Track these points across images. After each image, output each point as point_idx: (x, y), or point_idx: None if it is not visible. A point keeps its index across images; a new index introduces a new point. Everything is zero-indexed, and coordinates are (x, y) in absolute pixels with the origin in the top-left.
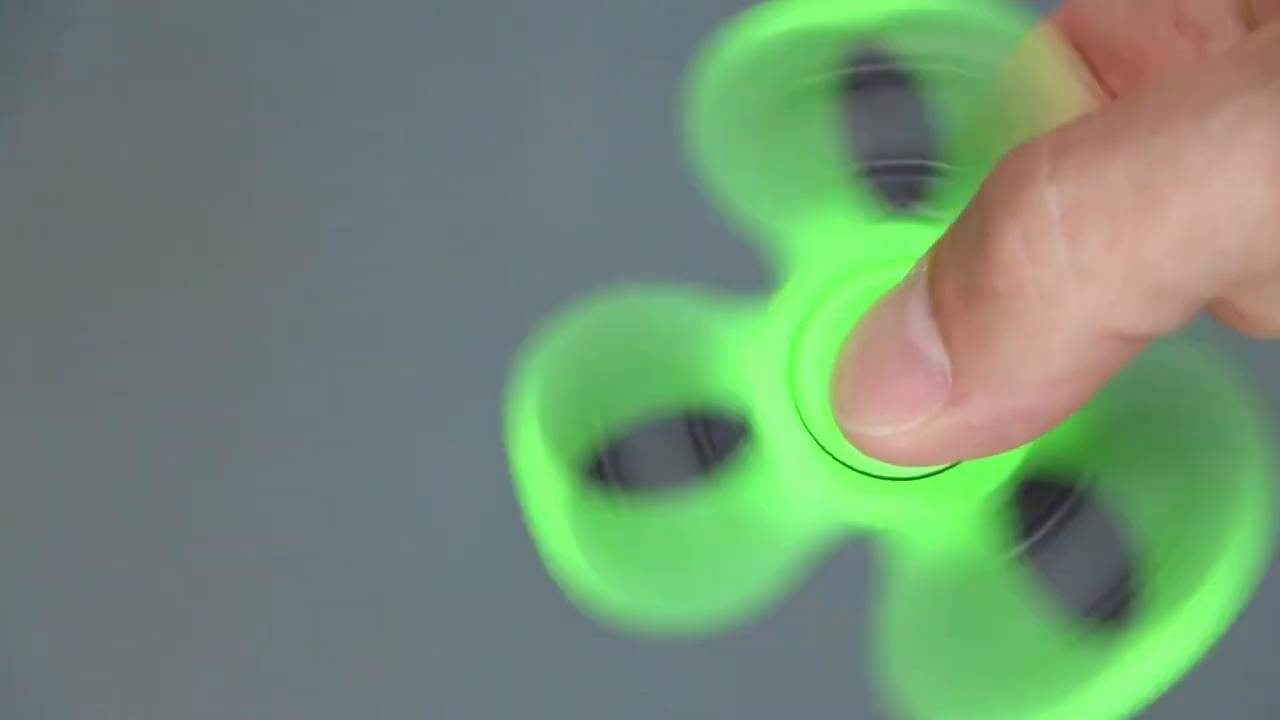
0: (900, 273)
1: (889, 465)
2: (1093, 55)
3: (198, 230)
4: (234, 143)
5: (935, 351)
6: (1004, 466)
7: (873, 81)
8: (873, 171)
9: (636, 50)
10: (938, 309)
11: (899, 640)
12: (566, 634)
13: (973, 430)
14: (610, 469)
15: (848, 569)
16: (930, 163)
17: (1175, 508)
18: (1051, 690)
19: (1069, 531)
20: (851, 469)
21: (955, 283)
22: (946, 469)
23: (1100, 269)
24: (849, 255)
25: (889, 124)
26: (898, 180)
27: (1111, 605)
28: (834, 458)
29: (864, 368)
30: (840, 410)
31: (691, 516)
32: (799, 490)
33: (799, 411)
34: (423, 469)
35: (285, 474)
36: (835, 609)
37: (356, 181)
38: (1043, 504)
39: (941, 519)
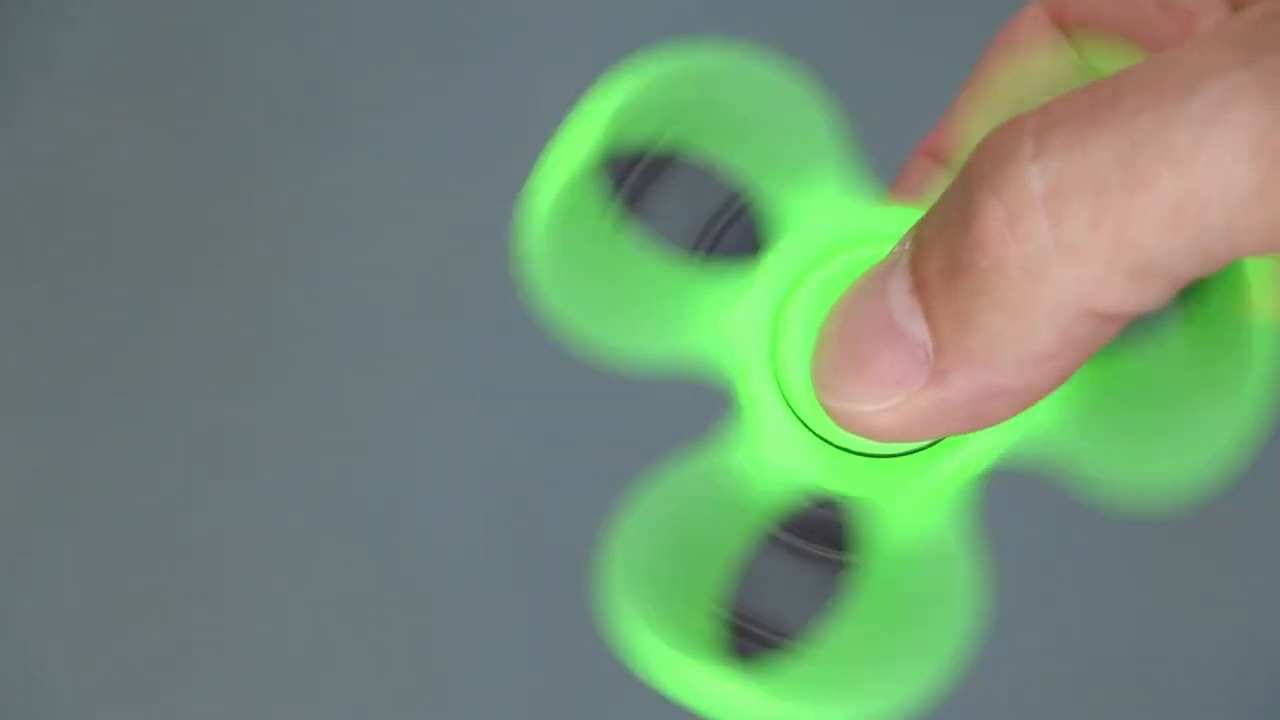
0: (883, 250)
1: (870, 441)
2: (1077, 35)
3: (198, 229)
4: (234, 143)
5: (917, 329)
6: (984, 445)
7: (645, 182)
8: (714, 241)
9: (637, 51)
10: (920, 286)
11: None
12: (567, 634)
13: (953, 407)
14: (740, 621)
15: None
16: (742, 202)
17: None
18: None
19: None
20: (832, 444)
21: (938, 260)
22: (927, 447)
23: (1084, 247)
24: (833, 229)
25: (688, 199)
26: (735, 233)
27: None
28: (814, 433)
29: (846, 344)
30: (822, 386)
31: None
32: (777, 463)
33: (780, 386)
34: (425, 468)
35: (286, 474)
36: None
37: (357, 181)
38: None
39: (915, 497)
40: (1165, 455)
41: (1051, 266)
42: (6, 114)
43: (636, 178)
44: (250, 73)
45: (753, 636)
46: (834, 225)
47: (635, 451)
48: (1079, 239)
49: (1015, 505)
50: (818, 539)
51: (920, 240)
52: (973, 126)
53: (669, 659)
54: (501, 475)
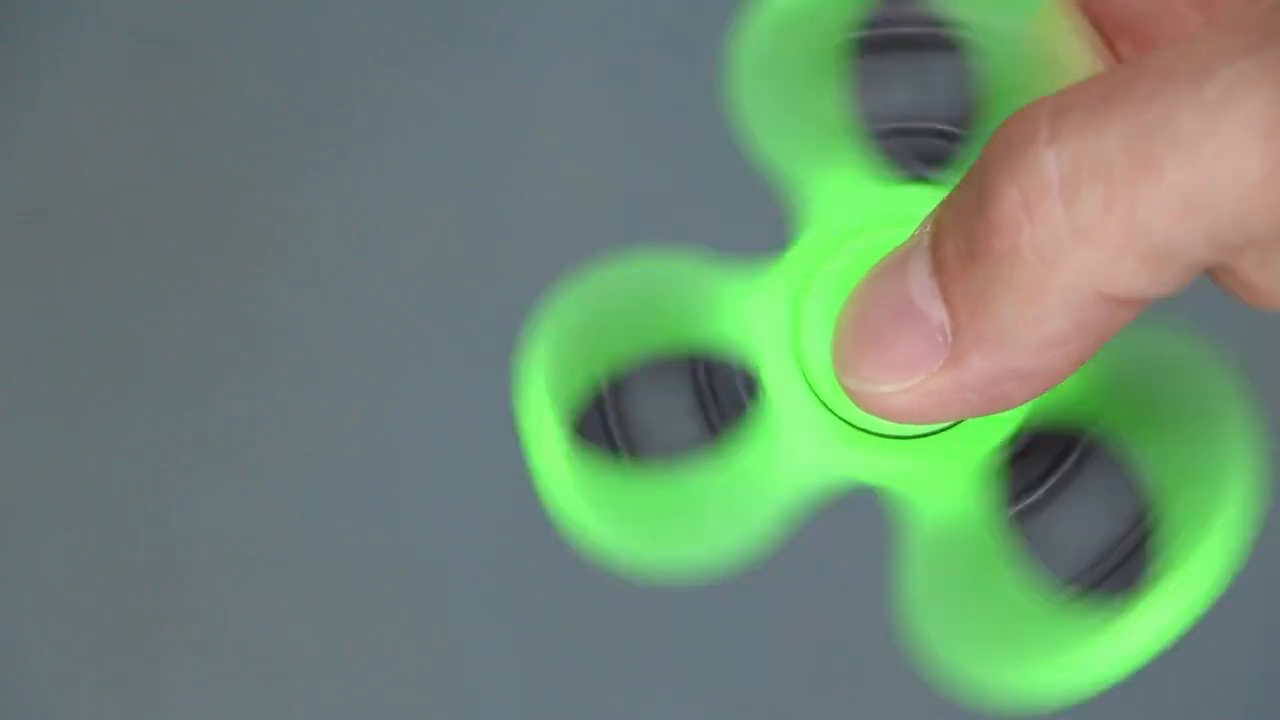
0: (905, 233)
1: (890, 423)
2: (1104, 23)
3: (198, 229)
4: (235, 142)
5: (936, 311)
6: (1005, 426)
7: (898, 44)
8: (892, 133)
9: (636, 50)
10: (939, 269)
11: (913, 594)
12: (572, 630)
13: (970, 390)
14: (613, 417)
15: (866, 523)
16: (949, 128)
17: (1172, 471)
18: (1053, 645)
19: (1070, 490)
20: (854, 426)
21: (956, 244)
22: (948, 427)
23: (1097, 231)
24: (858, 213)
25: (910, 87)
26: (916, 144)
27: (1111, 564)
28: (837, 415)
29: (865, 325)
30: (841, 367)
31: (693, 468)
32: (801, 447)
33: (802, 369)
34: (426, 467)
35: (286, 474)
36: (854, 563)
37: (359, 182)
38: (1044, 461)
39: (943, 477)
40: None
41: (1065, 250)
42: (7, 114)
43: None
44: (251, 73)
45: (607, 431)
46: (856, 209)
47: None
48: (1092, 223)
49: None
50: (719, 400)
51: (940, 223)
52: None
53: (536, 412)
54: (502, 475)
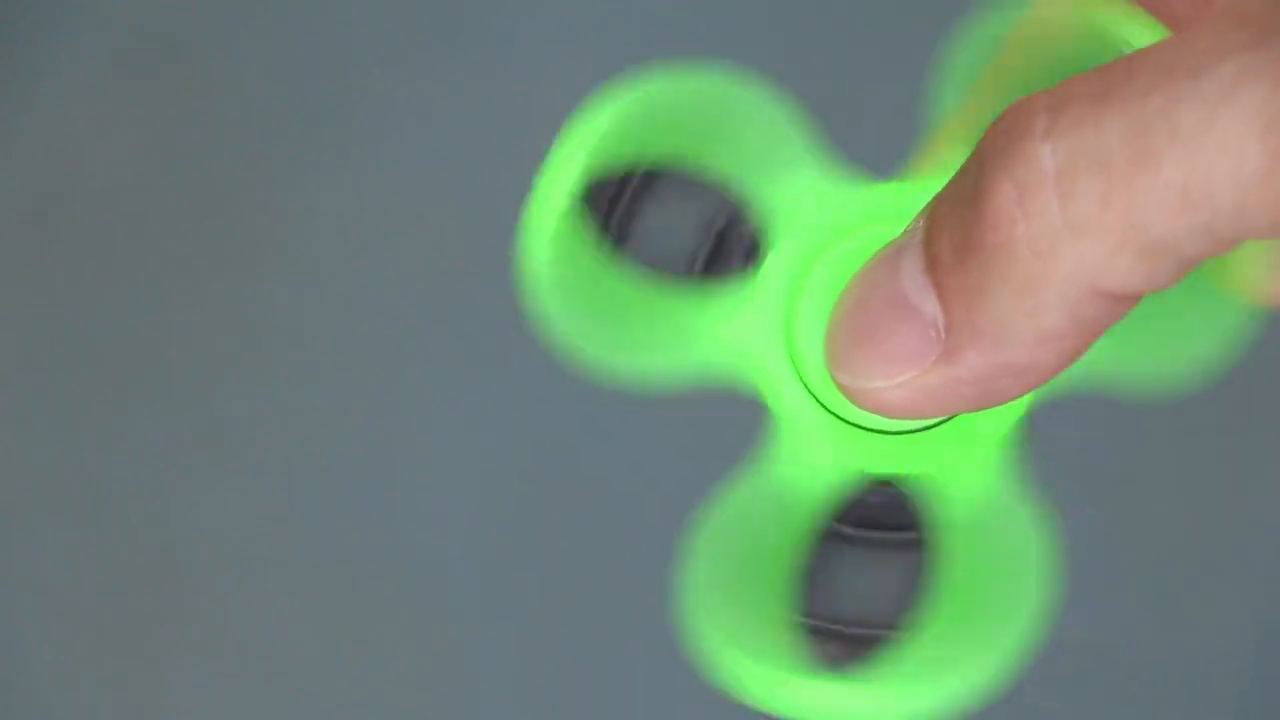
0: (896, 229)
1: (884, 419)
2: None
3: (199, 228)
4: (235, 143)
5: (929, 306)
6: (1003, 421)
7: (634, 205)
8: (710, 257)
9: (636, 50)
10: (932, 264)
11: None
12: (572, 630)
13: (963, 385)
14: (624, 203)
15: None
16: (732, 214)
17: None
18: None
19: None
20: (848, 423)
21: (950, 238)
22: (941, 422)
23: (1093, 226)
24: (835, 216)
25: (677, 218)
26: (730, 246)
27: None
28: (831, 411)
29: (858, 321)
30: (834, 363)
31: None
32: (817, 456)
33: (804, 380)
34: (426, 467)
35: (288, 472)
36: None
37: (358, 181)
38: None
39: (964, 463)
40: (1164, 349)
41: (1060, 245)
42: (7, 113)
43: (625, 202)
44: (251, 73)
45: (842, 637)
46: (827, 214)
47: (639, 450)
48: (1088, 217)
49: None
50: (883, 524)
51: (934, 217)
52: (991, 103)
53: (763, 677)
54: (503, 476)
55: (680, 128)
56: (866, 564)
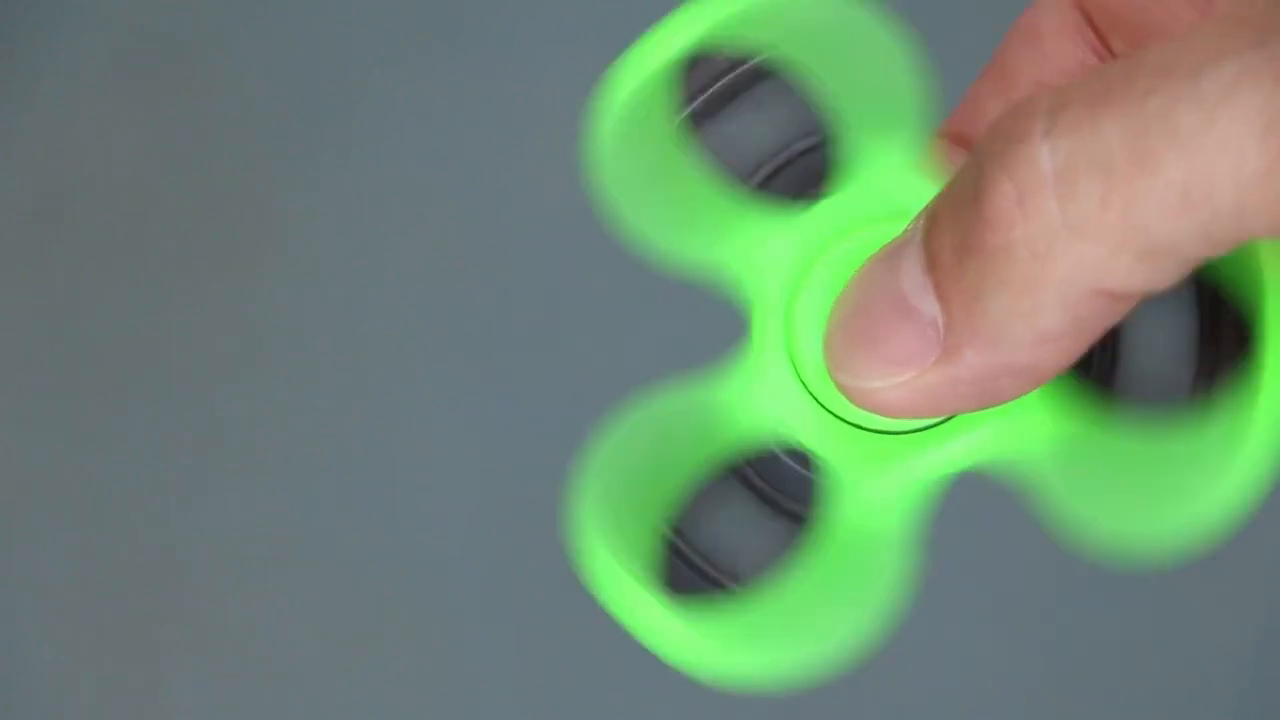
0: (896, 229)
1: (883, 419)
2: (1098, 18)
3: (199, 229)
4: (235, 143)
5: (929, 306)
6: (969, 443)
7: (724, 98)
8: (770, 177)
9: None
10: (932, 264)
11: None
12: (572, 630)
13: (962, 385)
14: (695, 556)
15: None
16: (809, 142)
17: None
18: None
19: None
20: (847, 422)
21: (950, 239)
22: (939, 423)
23: (1093, 227)
24: (881, 197)
25: (758, 127)
26: (794, 173)
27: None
28: (831, 412)
29: (858, 321)
30: (834, 362)
31: (795, 565)
32: (766, 405)
33: (788, 337)
34: (426, 468)
35: (288, 473)
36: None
37: (358, 181)
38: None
39: (887, 477)
40: (1150, 509)
41: (1060, 246)
42: (7, 113)
43: (722, 88)
44: (251, 73)
45: (696, 570)
46: (891, 186)
47: None
48: (1087, 218)
49: (1007, 501)
50: (784, 490)
51: (934, 218)
52: (990, 108)
53: (614, 577)
54: (502, 475)
55: (806, 39)
56: (751, 513)
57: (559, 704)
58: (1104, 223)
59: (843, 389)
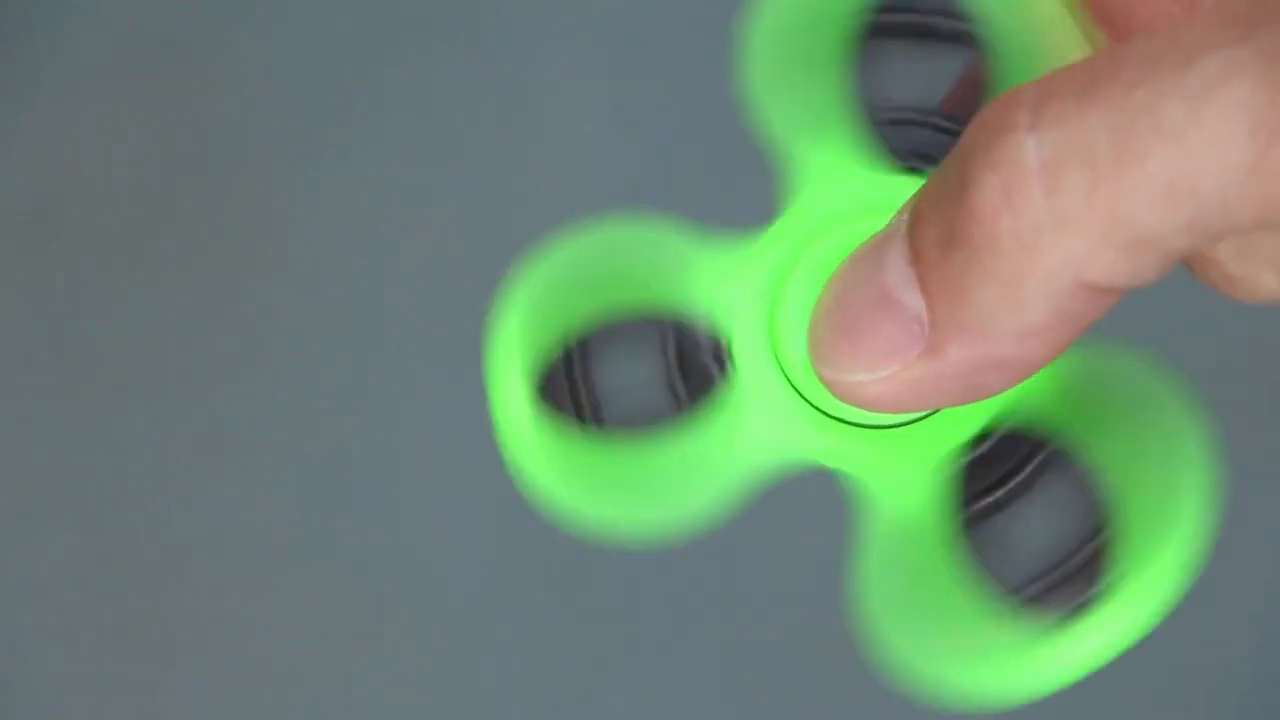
0: (883, 221)
1: (865, 413)
2: (1085, 13)
3: (199, 229)
4: (235, 143)
5: (913, 300)
6: (979, 419)
7: (910, 31)
8: (892, 123)
9: (636, 50)
10: (917, 257)
11: (865, 585)
12: (572, 630)
13: (947, 378)
14: (580, 381)
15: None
16: (950, 124)
17: (1130, 487)
18: (998, 648)
19: (1028, 496)
20: (826, 414)
21: (935, 231)
22: (922, 418)
23: (1078, 219)
24: (845, 198)
25: (916, 78)
26: (915, 136)
27: (1062, 575)
28: (809, 401)
29: (842, 313)
30: (817, 355)
31: (656, 438)
32: (767, 427)
33: (776, 352)
34: (425, 468)
35: (288, 473)
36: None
37: (358, 181)
38: (1005, 466)
39: (905, 470)
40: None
41: (1045, 238)
42: (7, 113)
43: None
44: (251, 73)
45: (573, 396)
46: (845, 193)
47: None
48: (1072, 211)
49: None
50: (687, 376)
51: (918, 211)
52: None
53: (503, 371)
54: (502, 475)
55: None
56: (644, 373)
57: (559, 704)
58: (1089, 215)
59: (826, 383)
